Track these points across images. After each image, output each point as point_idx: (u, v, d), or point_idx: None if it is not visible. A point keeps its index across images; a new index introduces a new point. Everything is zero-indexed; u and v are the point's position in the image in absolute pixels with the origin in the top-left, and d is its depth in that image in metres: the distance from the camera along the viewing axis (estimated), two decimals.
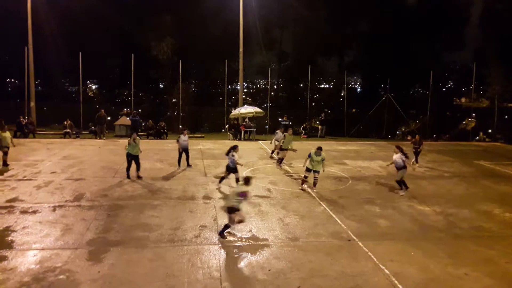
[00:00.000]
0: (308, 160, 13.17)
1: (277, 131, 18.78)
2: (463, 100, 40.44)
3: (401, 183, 13.32)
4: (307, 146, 22.14)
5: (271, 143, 20.26)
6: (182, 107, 31.75)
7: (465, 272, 7.86)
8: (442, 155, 20.20)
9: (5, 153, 15.29)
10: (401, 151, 13.24)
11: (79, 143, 22.03)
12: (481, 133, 31.73)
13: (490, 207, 12.18)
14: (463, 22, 39.02)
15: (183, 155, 16.06)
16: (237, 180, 12.82)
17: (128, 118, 26.57)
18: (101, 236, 9.03)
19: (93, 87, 43.25)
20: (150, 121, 26.46)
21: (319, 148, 13.00)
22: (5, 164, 15.12)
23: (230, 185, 13.24)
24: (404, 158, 13.08)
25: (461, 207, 12.03)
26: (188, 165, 16.16)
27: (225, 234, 9.18)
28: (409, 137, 17.68)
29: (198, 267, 7.75)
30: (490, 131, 32.84)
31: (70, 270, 7.44)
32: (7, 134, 15.53)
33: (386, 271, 7.82)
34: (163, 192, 12.61)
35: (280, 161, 17.08)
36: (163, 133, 25.52)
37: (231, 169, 13.09)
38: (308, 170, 13.20)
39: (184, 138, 15.88)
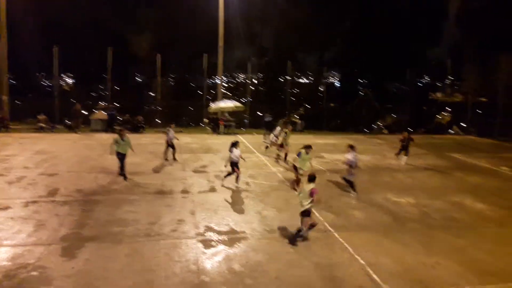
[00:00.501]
0: (298, 160, 12.76)
1: (277, 127, 18.34)
2: (438, 95, 41.23)
3: (350, 183, 12.62)
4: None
5: (264, 140, 20.45)
6: (160, 102, 31.39)
7: (437, 261, 8.08)
8: (418, 148, 20.57)
9: None
10: (353, 150, 12.70)
11: (53, 137, 21.55)
12: (456, 127, 32.49)
13: (462, 198, 12.52)
14: (440, 19, 39.77)
15: (170, 149, 16.26)
16: (237, 178, 12.77)
17: (104, 113, 26.12)
18: (75, 232, 8.89)
19: (69, 81, 42.32)
20: (128, 115, 26.09)
21: (309, 147, 12.86)
22: None
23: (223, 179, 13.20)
24: (356, 158, 12.52)
25: (435, 199, 12.31)
26: (174, 159, 16.24)
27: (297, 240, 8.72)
28: (401, 136, 17.39)
29: (175, 261, 7.72)
30: (464, 124, 33.65)
31: (43, 266, 7.31)
32: None
33: (362, 261, 7.96)
34: (141, 186, 12.48)
35: (285, 157, 16.93)
36: (140, 127, 25.21)
37: (235, 164, 12.74)
38: (297, 168, 12.79)
39: (171, 132, 16.28)
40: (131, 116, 26.15)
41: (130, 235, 8.83)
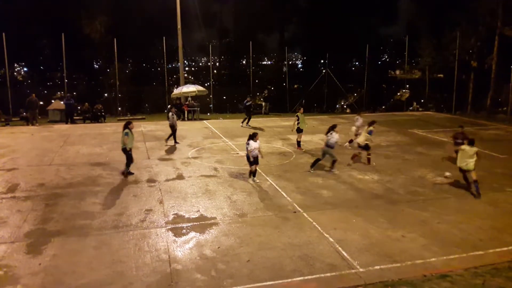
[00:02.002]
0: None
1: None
2: (397, 72, 42.43)
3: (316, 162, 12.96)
4: (252, 123, 22.31)
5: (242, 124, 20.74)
6: (119, 88, 30.49)
7: (402, 234, 8.39)
8: (378, 125, 21.06)
9: None
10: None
11: (9, 130, 20.53)
12: (415, 103, 33.62)
13: (424, 172, 13.01)
14: None
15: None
16: (254, 174, 11.84)
17: (62, 102, 25.11)
18: (40, 227, 8.58)
19: (22, 70, 40.32)
20: (86, 104, 25.22)
21: (373, 122, 14.13)
22: None
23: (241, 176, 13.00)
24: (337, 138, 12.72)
25: (398, 174, 12.73)
26: (176, 142, 17.01)
27: None
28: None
29: (145, 251, 7.62)
30: (422, 101, 34.83)
31: (8, 265, 7.03)
32: None
33: (330, 239, 8.15)
34: (104, 177, 12.16)
35: (298, 143, 16.49)
36: (100, 116, 24.44)
37: (255, 160, 11.70)
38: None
39: (172, 116, 16.95)
40: (90, 104, 25.26)
41: (97, 227, 8.62)
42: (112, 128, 20.95)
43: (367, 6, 38.52)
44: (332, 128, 12.83)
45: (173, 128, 16.87)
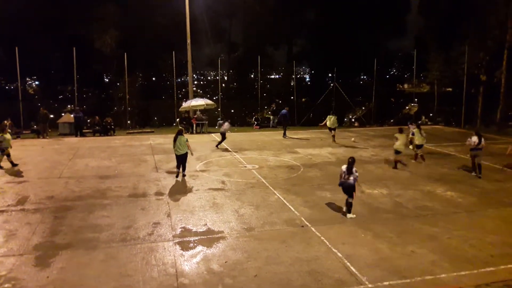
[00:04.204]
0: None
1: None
2: (405, 86, 42.37)
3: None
4: (260, 136, 22.40)
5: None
6: (129, 102, 30.81)
7: (412, 250, 8.29)
8: (387, 139, 21.02)
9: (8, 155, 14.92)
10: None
11: (20, 143, 20.78)
12: (423, 117, 33.40)
13: (433, 187, 12.88)
14: (404, 10, 40.71)
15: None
16: (349, 206, 10.16)
17: (71, 115, 25.41)
18: (48, 240, 8.62)
19: (33, 83, 40.96)
20: (97, 117, 25.48)
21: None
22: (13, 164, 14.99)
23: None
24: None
25: (407, 189, 12.62)
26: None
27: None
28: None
29: (152, 264, 7.61)
30: (431, 115, 34.64)
31: (16, 277, 7.05)
32: (8, 136, 15.04)
33: (339, 254, 8.07)
34: (113, 190, 12.21)
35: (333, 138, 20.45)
36: (110, 129, 24.65)
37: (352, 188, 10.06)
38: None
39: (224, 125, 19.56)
40: (100, 118, 25.53)
41: (105, 240, 8.63)
42: (121, 141, 21.12)
43: (376, 20, 38.75)
44: (353, 162, 10.21)
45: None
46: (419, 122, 17.28)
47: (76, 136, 23.36)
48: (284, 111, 23.51)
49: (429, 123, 31.83)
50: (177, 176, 13.72)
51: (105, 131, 24.49)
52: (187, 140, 13.61)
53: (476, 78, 31.53)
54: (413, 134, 16.26)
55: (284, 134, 22.93)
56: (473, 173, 14.38)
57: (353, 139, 21.80)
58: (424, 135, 16.00)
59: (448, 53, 31.72)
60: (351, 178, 9.97)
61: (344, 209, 10.26)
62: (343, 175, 10.10)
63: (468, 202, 11.43)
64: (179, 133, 13.57)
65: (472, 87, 32.04)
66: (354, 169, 10.04)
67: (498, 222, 9.92)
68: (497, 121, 29.37)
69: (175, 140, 13.35)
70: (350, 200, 10.08)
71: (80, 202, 11.09)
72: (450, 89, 36.00)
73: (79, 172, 14.37)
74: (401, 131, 15.19)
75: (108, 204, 10.93)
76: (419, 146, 16.09)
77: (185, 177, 13.70)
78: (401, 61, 45.26)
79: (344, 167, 10.16)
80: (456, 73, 31.66)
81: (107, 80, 38.85)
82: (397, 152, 14.94)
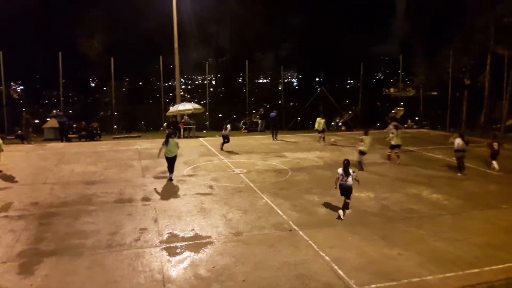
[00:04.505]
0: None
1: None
2: (391, 90, 42.80)
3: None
4: (248, 141, 22.39)
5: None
6: (115, 106, 30.55)
7: (398, 252, 8.35)
8: (374, 143, 21.14)
9: None
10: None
11: (4, 149, 20.39)
12: (409, 121, 33.80)
13: (419, 189, 13.02)
14: (390, 15, 41.29)
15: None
16: (346, 205, 10.47)
17: (56, 120, 25.07)
18: (32, 247, 8.47)
19: (18, 88, 40.38)
20: (83, 122, 25.19)
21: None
22: None
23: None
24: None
25: (393, 191, 12.72)
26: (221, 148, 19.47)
27: None
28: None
29: (139, 271, 7.53)
30: (417, 118, 35.07)
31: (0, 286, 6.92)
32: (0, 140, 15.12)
33: (327, 257, 8.09)
34: (99, 196, 12.07)
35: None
36: (96, 134, 24.38)
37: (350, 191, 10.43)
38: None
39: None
40: (86, 122, 25.24)
41: (90, 247, 8.52)
42: (107, 146, 20.91)
43: (362, 25, 39.23)
44: (348, 164, 10.52)
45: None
46: (395, 123, 18.31)
47: (62, 141, 23.04)
48: (273, 114, 24.01)
49: (414, 126, 32.21)
50: (170, 180, 13.79)
51: (91, 136, 24.20)
52: (177, 143, 13.92)
53: (461, 82, 32.06)
54: (392, 133, 16.96)
55: (274, 137, 23.25)
56: (458, 174, 14.87)
57: (333, 139, 22.46)
58: (399, 135, 16.82)
59: (433, 58, 32.19)
60: (349, 179, 10.25)
61: (340, 213, 10.37)
62: (340, 178, 10.35)
63: (454, 205, 11.57)
64: (170, 135, 13.91)
65: (456, 91, 32.57)
66: (351, 170, 10.37)
67: (483, 224, 10.06)
68: (481, 124, 29.89)
69: (166, 142, 13.47)
70: (347, 200, 10.41)
71: (65, 208, 10.93)
72: (435, 93, 36.51)
73: (65, 178, 14.18)
74: (366, 133, 15.94)
75: (93, 210, 10.79)
76: (395, 146, 16.72)
77: (172, 181, 13.61)
78: (387, 66, 45.76)
79: (340, 170, 10.42)
80: (441, 77, 32.15)
81: (93, 84, 38.51)
82: (361, 153, 15.58)
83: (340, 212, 10.37)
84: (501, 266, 7.83)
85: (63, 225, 9.73)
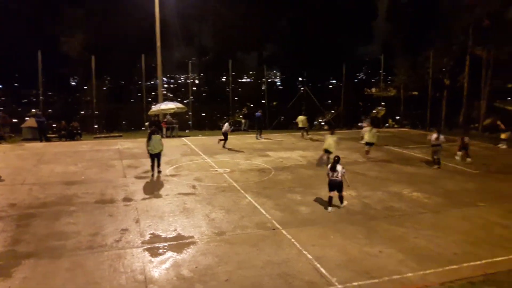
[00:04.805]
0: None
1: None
2: (373, 90, 43.27)
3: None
4: (231, 140, 22.31)
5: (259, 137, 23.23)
6: (96, 106, 30.09)
7: (380, 250, 8.45)
8: (356, 142, 21.42)
9: None
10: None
11: None
12: (390, 120, 34.28)
13: (400, 188, 13.21)
14: (372, 16, 41.76)
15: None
16: (341, 199, 11.08)
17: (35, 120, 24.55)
18: (10, 249, 8.28)
19: None
20: (63, 121, 24.74)
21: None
22: None
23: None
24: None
25: (375, 190, 12.87)
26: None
27: None
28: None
29: (121, 272, 7.43)
30: (398, 118, 35.58)
31: None
32: None
33: (309, 256, 8.14)
34: (79, 197, 11.87)
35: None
36: (76, 134, 23.97)
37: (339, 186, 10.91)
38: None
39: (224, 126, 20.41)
40: (66, 122, 24.79)
41: (71, 248, 8.37)
42: (88, 146, 20.60)
43: (344, 26, 39.62)
44: (338, 161, 11.07)
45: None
46: (369, 120, 20.80)
47: (41, 141, 22.59)
48: (258, 113, 24.62)
49: (395, 126, 32.67)
50: (152, 176, 14.13)
51: (71, 136, 23.79)
52: (161, 139, 14.43)
53: (441, 82, 32.69)
54: (364, 129, 18.38)
55: (259, 136, 23.60)
56: (434, 167, 15.89)
57: (307, 135, 23.68)
58: (374, 133, 17.75)
59: (414, 58, 32.72)
60: (338, 175, 10.79)
61: (329, 209, 10.86)
62: (330, 174, 10.89)
63: (434, 203, 11.77)
64: (153, 132, 14.25)
65: (436, 91, 33.19)
66: (340, 167, 10.85)
67: (461, 222, 10.27)
68: (460, 123, 30.52)
69: (149, 139, 13.91)
70: (341, 194, 11.02)
71: (44, 209, 10.71)
72: (416, 93, 37.08)
73: (44, 178, 13.91)
74: (332, 133, 16.51)
75: (74, 211, 10.61)
76: (368, 144, 17.66)
77: (155, 182, 13.49)
78: (369, 66, 46.29)
79: (329, 166, 11.13)
80: (421, 78, 32.70)
81: (74, 83, 37.86)
82: (326, 151, 15.74)
83: (330, 208, 10.85)
84: (478, 262, 8.00)
85: (42, 226, 9.54)
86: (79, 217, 10.20)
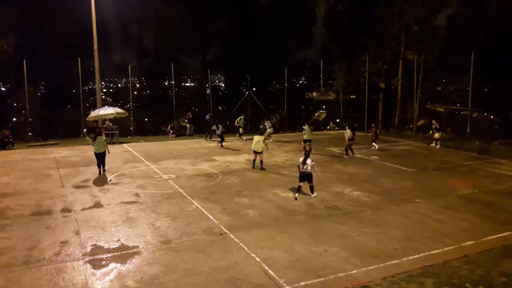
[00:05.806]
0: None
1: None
2: (314, 94, 44.59)
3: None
4: (176, 145, 22.00)
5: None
6: (30, 112, 28.31)
7: (325, 249, 8.70)
8: (298, 144, 21.90)
9: None
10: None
11: None
12: (331, 123, 35.45)
13: (342, 187, 13.70)
14: (311, 22, 43.00)
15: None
16: (312, 189, 12.61)
17: None
18: None
19: None
20: None
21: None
22: None
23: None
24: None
25: (318, 190, 13.17)
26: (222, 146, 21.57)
27: None
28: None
29: (61, 286, 7.05)
30: (338, 120, 36.87)
31: None
32: None
33: (257, 258, 8.19)
34: (13, 209, 11.11)
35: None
36: (8, 142, 22.38)
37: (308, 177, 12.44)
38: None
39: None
40: None
41: (4, 265, 7.81)
42: (21, 155, 19.35)
43: (285, 30, 40.52)
44: (308, 155, 12.79)
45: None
46: (310, 120, 24.49)
47: None
48: (207, 117, 26.02)
49: (336, 128, 33.83)
50: (99, 174, 15.13)
51: (3, 145, 22.17)
52: (105, 140, 15.61)
53: (377, 85, 34.35)
54: (303, 130, 20.75)
55: (209, 138, 24.53)
56: (346, 156, 18.99)
57: (245, 138, 24.64)
58: (311, 131, 20.50)
59: (351, 63, 34.10)
60: (308, 168, 12.25)
61: (296, 195, 12.33)
62: (300, 166, 12.35)
63: (373, 201, 12.32)
64: (98, 133, 15.73)
65: (373, 94, 34.84)
66: (309, 160, 12.33)
67: (399, 218, 10.84)
68: (396, 124, 32.24)
69: (94, 139, 15.15)
70: (311, 184, 12.49)
71: None
72: (354, 96, 38.66)
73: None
74: (261, 134, 17.10)
75: (7, 225, 9.91)
76: (306, 140, 20.12)
77: (95, 191, 12.94)
78: (310, 71, 47.56)
79: (300, 160, 12.46)
80: (358, 81, 34.16)
81: (4, 89, 35.38)
82: (255, 152, 16.35)
83: (297, 194, 12.36)
84: (416, 256, 8.48)
85: None
86: (12, 231, 9.55)
